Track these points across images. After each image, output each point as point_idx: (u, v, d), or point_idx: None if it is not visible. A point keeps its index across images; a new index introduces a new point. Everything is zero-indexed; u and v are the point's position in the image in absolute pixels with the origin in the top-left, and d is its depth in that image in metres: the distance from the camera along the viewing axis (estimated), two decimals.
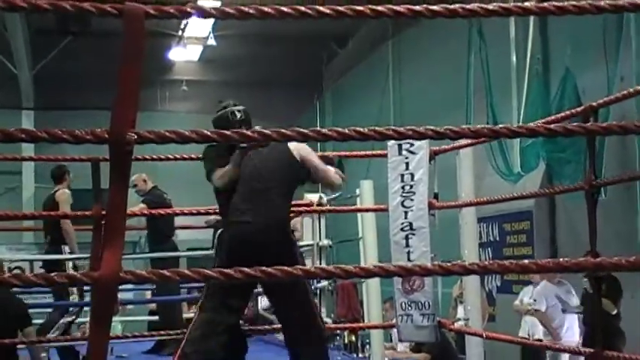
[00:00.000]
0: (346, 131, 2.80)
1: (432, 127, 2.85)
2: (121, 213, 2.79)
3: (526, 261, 2.65)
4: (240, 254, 5.01)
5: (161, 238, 8.96)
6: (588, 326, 9.11)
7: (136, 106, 2.81)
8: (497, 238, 12.59)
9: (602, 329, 7.01)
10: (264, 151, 5.27)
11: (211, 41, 17.81)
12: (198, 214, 7.54)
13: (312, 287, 7.83)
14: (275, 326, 8.98)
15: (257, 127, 5.33)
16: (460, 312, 8.23)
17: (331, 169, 5.43)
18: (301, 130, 2.90)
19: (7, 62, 17.15)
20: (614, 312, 8.26)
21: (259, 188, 5.22)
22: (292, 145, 5.28)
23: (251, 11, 2.81)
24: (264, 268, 2.73)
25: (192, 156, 6.56)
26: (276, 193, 5.24)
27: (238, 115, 5.57)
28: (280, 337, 8.83)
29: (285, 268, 2.87)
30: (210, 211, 6.96)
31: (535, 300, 10.23)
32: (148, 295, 10.11)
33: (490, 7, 2.99)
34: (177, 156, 6.95)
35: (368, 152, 7.19)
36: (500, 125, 3.13)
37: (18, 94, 18.85)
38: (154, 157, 7.05)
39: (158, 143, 2.82)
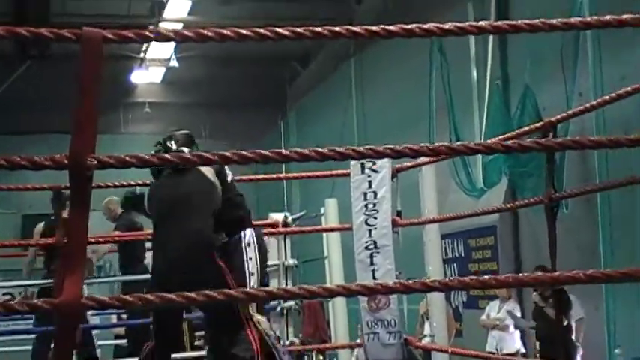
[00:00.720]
0: (306, 152, 2.80)
1: (390, 146, 2.87)
2: (82, 239, 2.78)
3: (486, 276, 2.67)
4: (160, 283, 4.97)
5: (132, 262, 8.90)
6: (543, 340, 9.21)
7: (95, 131, 2.80)
8: (463, 254, 12.62)
9: (557, 341, 7.11)
10: (176, 176, 5.19)
11: (173, 63, 17.81)
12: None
13: (279, 307, 7.83)
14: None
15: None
16: (427, 329, 8.23)
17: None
18: (262, 152, 2.90)
19: None
20: (565, 323, 8.33)
21: (174, 215, 5.14)
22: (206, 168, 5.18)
23: (210, 34, 2.82)
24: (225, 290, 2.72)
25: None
26: (192, 219, 5.10)
27: (174, 145, 5.46)
28: None
29: (249, 290, 2.87)
30: None
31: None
32: (114, 319, 10.03)
33: (446, 26, 3.02)
34: (140, 182, 6.87)
35: (331, 172, 7.20)
36: (458, 143, 3.15)
37: None
38: (116, 183, 6.95)
39: (119, 168, 2.81)
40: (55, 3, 15.15)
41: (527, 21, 3.03)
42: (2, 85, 17.48)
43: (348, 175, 6.30)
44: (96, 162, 2.71)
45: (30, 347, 8.73)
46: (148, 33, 2.88)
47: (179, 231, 5.05)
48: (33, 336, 8.94)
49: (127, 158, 2.82)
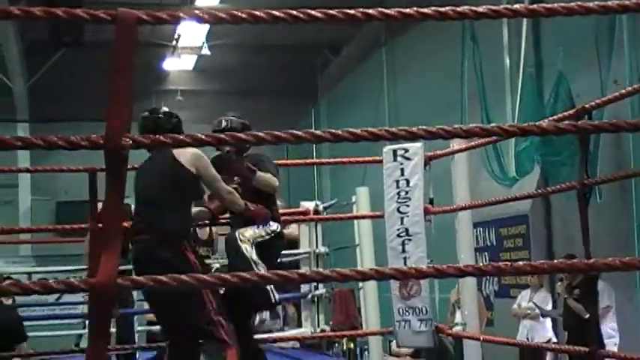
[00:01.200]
0: (339, 132, 2.81)
1: (424, 127, 2.88)
2: (118, 219, 2.80)
3: (520, 262, 2.66)
4: (136, 270, 5.02)
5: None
6: (570, 331, 9.20)
7: (131, 111, 2.82)
8: (494, 243, 12.59)
9: (579, 331, 7.03)
10: (150, 163, 5.10)
11: (205, 51, 17.84)
12: None
13: (310, 295, 7.84)
14: (275, 335, 9.02)
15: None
16: (458, 317, 8.21)
17: (224, 188, 5.26)
18: (295, 132, 2.91)
19: (2, 75, 17.15)
20: (587, 315, 8.29)
21: (146, 201, 5.10)
22: (181, 155, 4.97)
23: (243, 16, 2.82)
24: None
25: None
26: (160, 205, 5.02)
27: (223, 124, 5.73)
28: (278, 344, 8.85)
29: (283, 272, 2.88)
30: None
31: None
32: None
33: (480, 9, 3.02)
34: None
35: (363, 158, 7.19)
36: (492, 124, 3.15)
37: (13, 107, 18.82)
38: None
39: (154, 148, 2.83)
40: None
41: (562, 4, 3.01)
42: (37, 72, 17.61)
43: (380, 162, 6.28)
44: (131, 142, 2.73)
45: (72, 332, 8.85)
46: (181, 14, 2.89)
47: (148, 220, 5.03)
48: (75, 320, 9.07)
49: (162, 138, 2.84)
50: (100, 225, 3.82)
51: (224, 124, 5.70)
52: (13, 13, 2.62)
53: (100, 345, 2.73)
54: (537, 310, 10.40)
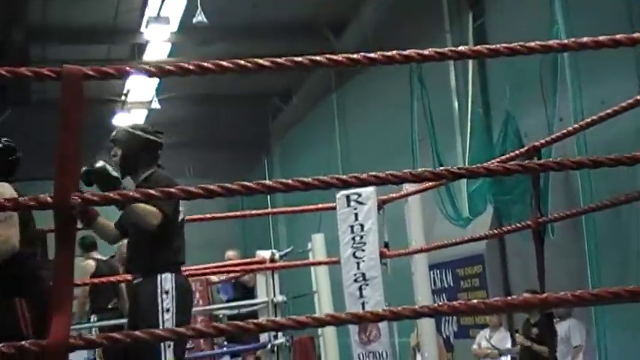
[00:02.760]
0: (290, 182, 2.79)
1: (374, 173, 2.86)
2: (69, 280, 2.75)
3: (475, 301, 2.65)
4: None
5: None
6: None
7: (79, 169, 2.79)
8: (451, 284, 12.60)
9: None
10: None
11: (155, 104, 17.82)
12: None
13: (269, 345, 7.76)
14: None
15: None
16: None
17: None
18: (247, 184, 2.88)
19: None
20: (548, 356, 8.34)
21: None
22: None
23: (191, 67, 2.81)
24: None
25: None
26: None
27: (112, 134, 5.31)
28: None
29: (239, 323, 2.85)
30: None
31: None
32: None
33: (426, 52, 3.04)
34: None
35: (317, 205, 7.18)
36: (441, 168, 3.15)
37: None
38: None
39: (102, 205, 2.80)
40: (34, 48, 15.14)
41: (505, 45, 3.04)
42: None
43: (334, 208, 6.28)
44: (80, 200, 2.69)
45: None
46: (128, 68, 2.87)
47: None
48: None
49: (112, 195, 2.81)
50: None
51: (113, 134, 5.29)
52: None
53: None
54: (496, 350, 10.45)
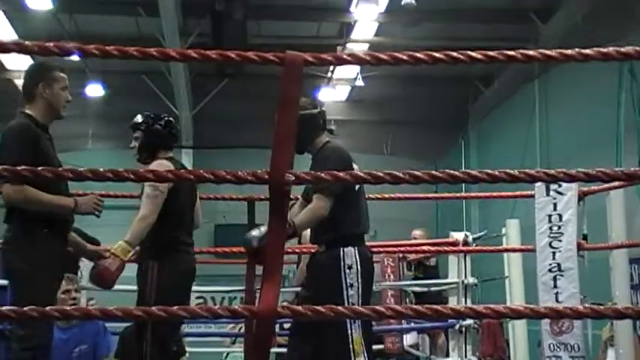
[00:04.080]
0: (496, 173, 2.78)
1: (583, 170, 2.80)
2: (280, 251, 2.85)
3: None
4: None
5: None
6: None
7: (293, 148, 2.87)
8: None
9: None
10: None
11: (359, 82, 17.96)
12: None
13: (458, 325, 7.74)
14: None
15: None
16: (611, 355, 7.96)
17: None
18: (451, 172, 2.90)
19: (170, 103, 17.71)
20: None
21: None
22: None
23: (404, 57, 2.84)
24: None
25: None
26: None
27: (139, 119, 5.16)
28: None
29: (435, 307, 2.86)
30: None
31: None
32: None
33: (623, 49, 2.94)
34: None
35: (514, 193, 7.08)
36: None
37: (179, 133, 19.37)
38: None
39: (313, 183, 2.88)
40: (251, 25, 15.58)
41: None
42: (201, 101, 18.11)
43: (531, 196, 6.18)
44: (293, 178, 2.78)
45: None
46: (345, 56, 2.93)
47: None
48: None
49: (322, 174, 2.87)
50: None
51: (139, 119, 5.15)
52: (190, 56, 2.71)
53: None
54: None
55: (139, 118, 5.08)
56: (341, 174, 2.85)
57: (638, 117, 11.31)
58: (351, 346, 4.26)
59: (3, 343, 7.34)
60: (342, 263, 4.41)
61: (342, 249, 4.44)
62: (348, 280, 4.37)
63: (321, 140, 4.68)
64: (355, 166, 4.54)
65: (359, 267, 4.42)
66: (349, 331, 4.28)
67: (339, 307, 2.88)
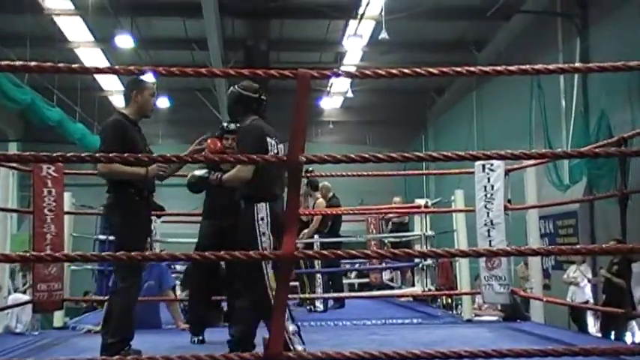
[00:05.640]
0: (449, 154, 2.76)
1: (510, 151, 2.79)
2: (296, 211, 2.83)
3: (579, 246, 2.55)
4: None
5: (332, 230, 8.15)
6: (607, 294, 8.88)
7: (304, 139, 2.84)
8: (552, 231, 12.26)
9: (616, 297, 6.62)
10: None
11: (349, 94, 17.93)
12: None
13: (421, 264, 7.70)
14: (396, 292, 8.94)
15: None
16: (527, 284, 7.96)
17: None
18: (417, 153, 2.88)
19: (216, 112, 17.64)
20: (625, 287, 7.93)
21: None
22: None
23: (383, 73, 2.81)
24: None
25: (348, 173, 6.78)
26: None
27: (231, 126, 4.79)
28: (398, 299, 8.77)
29: (408, 250, 2.84)
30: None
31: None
32: None
33: (551, 67, 2.91)
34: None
35: (460, 170, 7.04)
36: (559, 150, 3.03)
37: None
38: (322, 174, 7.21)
39: (320, 164, 2.85)
40: (272, 55, 15.56)
41: (610, 63, 2.88)
42: None
43: (472, 172, 6.14)
44: (304, 159, 2.75)
45: None
46: (341, 72, 2.91)
47: None
48: None
49: (325, 157, 2.84)
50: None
51: (231, 126, 4.72)
52: (229, 73, 2.68)
53: (282, 291, 2.77)
54: (580, 280, 10.16)
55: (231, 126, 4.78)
56: (339, 155, 2.81)
57: (544, 118, 11.35)
58: (267, 282, 3.77)
59: (105, 280, 7.38)
60: (255, 216, 3.92)
61: (255, 205, 3.93)
62: (260, 229, 3.87)
63: (249, 118, 4.14)
64: (270, 140, 4.06)
65: (268, 219, 3.91)
66: (265, 270, 3.77)
67: (339, 251, 2.85)
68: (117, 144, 3.83)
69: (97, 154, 3.02)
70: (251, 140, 3.99)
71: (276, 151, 4.05)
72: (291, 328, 3.74)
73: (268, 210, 3.93)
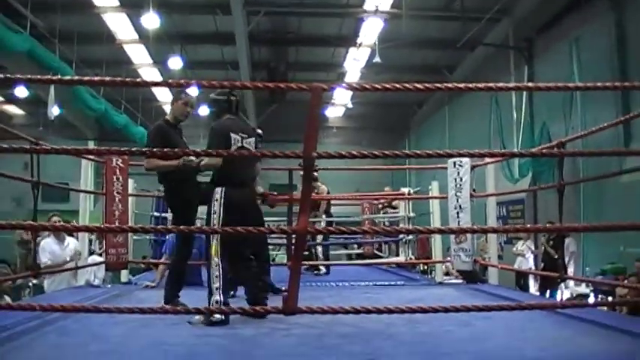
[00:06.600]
0: (430, 152, 2.71)
1: (477, 150, 2.76)
2: (308, 197, 2.79)
3: (528, 225, 2.51)
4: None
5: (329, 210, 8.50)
6: (546, 264, 8.92)
7: (316, 139, 2.80)
8: (505, 215, 12.22)
9: (551, 265, 6.54)
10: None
11: (350, 105, 17.83)
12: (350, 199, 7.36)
13: (404, 239, 7.59)
14: (384, 260, 8.88)
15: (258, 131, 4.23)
16: (486, 255, 7.88)
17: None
18: (404, 151, 2.83)
19: (245, 118, 17.56)
20: (556, 256, 7.92)
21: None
22: None
23: (379, 87, 2.77)
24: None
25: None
26: None
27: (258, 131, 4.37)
28: (386, 266, 8.71)
29: (396, 227, 2.80)
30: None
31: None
32: None
33: (510, 85, 2.86)
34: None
35: (436, 165, 6.97)
36: (510, 150, 2.97)
37: None
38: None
39: (329, 159, 2.79)
40: (290, 74, 15.49)
41: (558, 84, 2.83)
42: (261, 117, 17.92)
43: (445, 168, 6.08)
44: (317, 154, 2.71)
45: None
46: (344, 85, 2.86)
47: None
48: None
49: (333, 153, 2.80)
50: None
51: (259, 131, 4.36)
52: (257, 86, 2.64)
53: (297, 259, 2.74)
54: (525, 252, 10.16)
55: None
56: (344, 152, 2.76)
57: (500, 127, 11.39)
58: (212, 250, 3.60)
59: (158, 247, 7.35)
60: (213, 197, 3.74)
61: (215, 188, 3.76)
62: (213, 208, 3.68)
63: (225, 117, 3.95)
64: (235, 136, 3.84)
65: (222, 201, 3.69)
66: (212, 242, 3.61)
67: (352, 227, 2.81)
68: (156, 143, 3.85)
69: (145, 149, 3.02)
70: (215, 136, 3.81)
71: (240, 144, 3.82)
72: (219, 298, 3.56)
73: (223, 194, 3.72)
